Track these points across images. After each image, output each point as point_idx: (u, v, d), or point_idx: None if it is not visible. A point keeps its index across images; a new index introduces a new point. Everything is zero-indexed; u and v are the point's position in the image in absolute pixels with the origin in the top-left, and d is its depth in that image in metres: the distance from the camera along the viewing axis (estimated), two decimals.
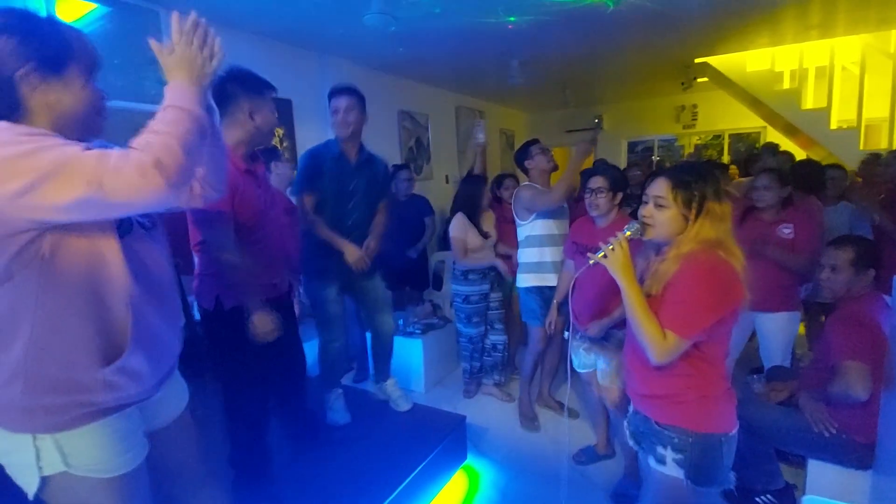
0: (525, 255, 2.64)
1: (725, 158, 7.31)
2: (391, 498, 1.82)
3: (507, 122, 7.66)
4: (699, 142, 7.79)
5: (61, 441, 0.87)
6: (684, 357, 1.20)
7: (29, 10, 0.89)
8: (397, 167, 3.87)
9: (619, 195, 2.07)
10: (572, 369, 1.67)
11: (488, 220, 3.01)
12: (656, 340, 1.16)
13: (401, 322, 3.34)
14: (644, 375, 1.29)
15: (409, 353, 3.21)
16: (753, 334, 2.55)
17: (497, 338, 3.11)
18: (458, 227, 2.90)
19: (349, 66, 4.35)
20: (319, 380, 2.30)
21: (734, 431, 1.25)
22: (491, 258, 2.92)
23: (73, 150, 0.79)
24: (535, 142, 2.69)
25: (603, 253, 1.23)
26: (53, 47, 0.87)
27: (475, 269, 2.91)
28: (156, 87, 3.08)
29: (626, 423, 1.46)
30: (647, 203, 1.27)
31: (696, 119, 7.16)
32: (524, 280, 2.64)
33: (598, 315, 2.01)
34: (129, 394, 0.94)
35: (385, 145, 4.87)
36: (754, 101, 5.14)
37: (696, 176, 1.22)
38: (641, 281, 1.28)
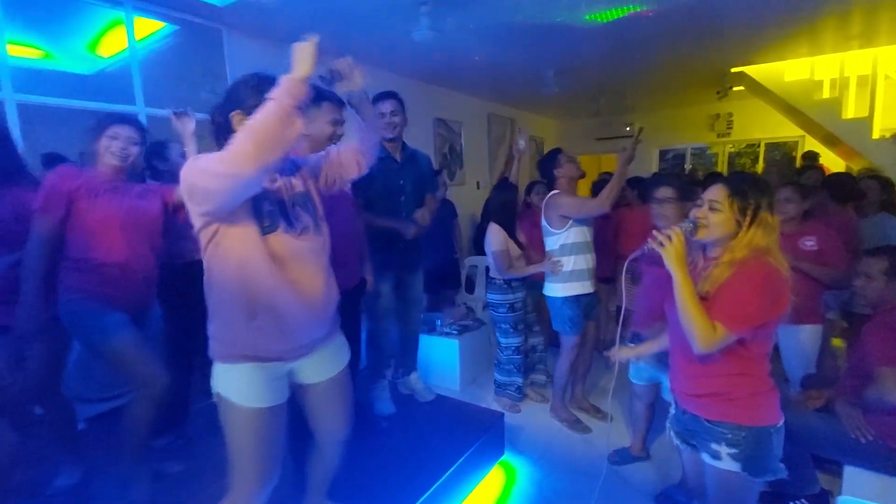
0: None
1: (760, 167, 7.22)
2: (434, 488, 1.92)
3: (537, 129, 7.75)
4: (733, 150, 7.71)
5: (223, 370, 1.24)
6: (732, 357, 1.28)
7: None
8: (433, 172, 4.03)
9: (688, 205, 2.06)
10: (619, 376, 1.73)
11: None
12: (704, 330, 1.23)
13: (438, 323, 3.47)
14: (692, 375, 1.36)
15: (446, 353, 3.34)
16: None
17: (536, 339, 3.20)
18: (499, 240, 2.87)
19: (389, 76, 4.53)
20: (366, 370, 2.44)
21: (782, 422, 1.33)
22: (530, 267, 2.94)
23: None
24: (560, 150, 2.75)
25: (660, 241, 1.30)
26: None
27: (516, 276, 2.93)
28: (212, 98, 3.32)
29: (668, 424, 1.53)
30: (701, 206, 1.35)
31: (731, 127, 7.10)
32: (561, 289, 2.63)
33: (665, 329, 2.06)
34: (264, 349, 1.23)
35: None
36: (792, 111, 5.09)
37: (753, 186, 1.29)
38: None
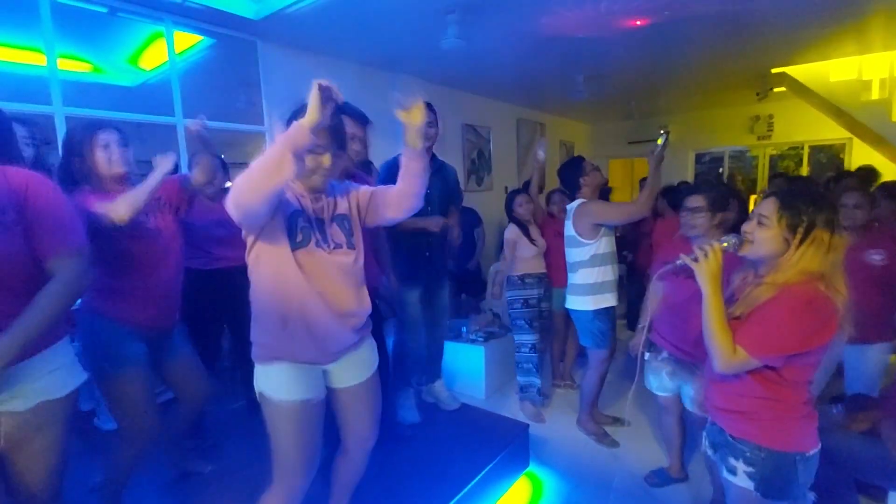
0: (591, 275, 2.55)
1: (804, 170, 6.90)
2: (457, 498, 1.92)
3: (567, 133, 7.65)
4: (775, 153, 7.40)
5: (263, 369, 1.34)
6: (761, 380, 1.22)
7: None
8: None
9: (720, 215, 1.99)
10: (640, 384, 1.70)
11: (534, 232, 3.10)
12: (724, 350, 1.19)
13: (463, 329, 3.46)
14: (721, 389, 1.32)
15: (472, 360, 3.33)
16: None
17: (542, 344, 3.19)
18: (510, 230, 3.05)
19: (418, 83, 4.57)
20: (393, 378, 2.46)
21: (813, 451, 1.24)
22: (541, 267, 3.05)
23: None
24: (583, 158, 2.73)
25: (695, 256, 1.24)
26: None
27: (531, 273, 3.01)
28: (247, 108, 3.43)
29: (704, 433, 1.48)
30: (749, 219, 1.27)
31: (772, 130, 6.81)
32: (592, 302, 2.56)
33: (685, 337, 1.98)
34: (296, 353, 1.32)
35: (449, 157, 5.02)
36: (839, 112, 4.85)
37: (808, 200, 1.18)
38: (732, 297, 1.29)
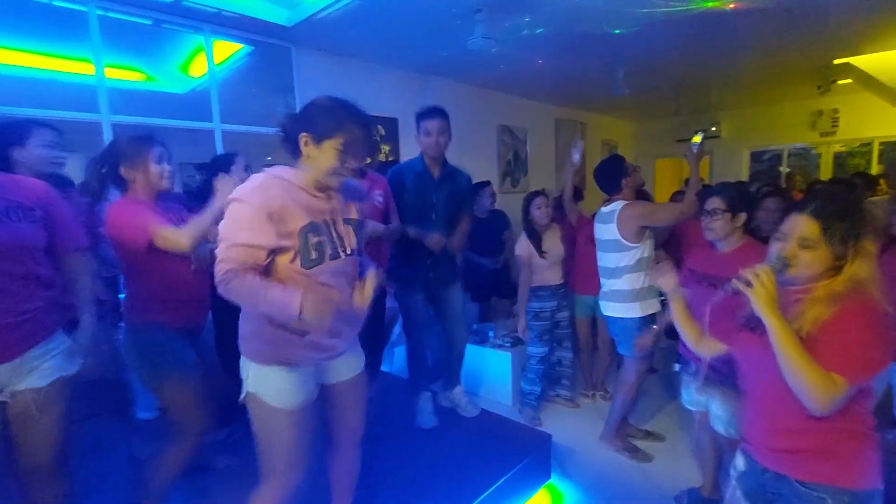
0: (638, 279, 2.43)
1: (873, 169, 6.33)
2: None
3: (610, 132, 7.39)
4: (842, 149, 6.82)
5: (258, 370, 1.30)
6: (840, 409, 1.06)
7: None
8: (480, 184, 3.79)
9: (742, 216, 1.87)
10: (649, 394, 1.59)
11: (552, 238, 2.95)
12: (821, 386, 1.01)
13: (490, 334, 3.41)
14: (777, 427, 1.14)
15: (498, 365, 3.27)
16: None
17: (564, 353, 3.09)
18: (522, 245, 2.92)
19: (451, 84, 4.55)
20: (408, 383, 2.44)
21: (882, 487, 1.09)
22: (557, 279, 2.93)
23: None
24: (623, 158, 2.63)
25: (747, 280, 1.09)
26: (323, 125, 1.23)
27: (545, 285, 2.91)
28: (283, 112, 3.54)
29: (734, 482, 1.29)
30: (780, 240, 1.15)
31: (836, 125, 6.28)
32: (639, 309, 2.44)
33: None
34: (295, 356, 1.31)
35: (483, 160, 5.00)
36: None
37: (849, 211, 1.09)
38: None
